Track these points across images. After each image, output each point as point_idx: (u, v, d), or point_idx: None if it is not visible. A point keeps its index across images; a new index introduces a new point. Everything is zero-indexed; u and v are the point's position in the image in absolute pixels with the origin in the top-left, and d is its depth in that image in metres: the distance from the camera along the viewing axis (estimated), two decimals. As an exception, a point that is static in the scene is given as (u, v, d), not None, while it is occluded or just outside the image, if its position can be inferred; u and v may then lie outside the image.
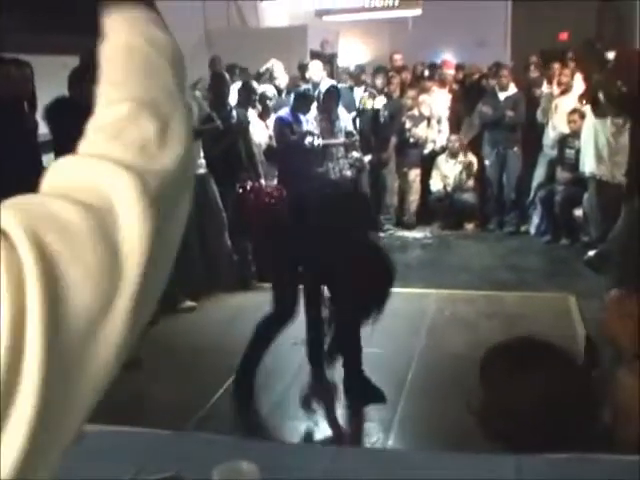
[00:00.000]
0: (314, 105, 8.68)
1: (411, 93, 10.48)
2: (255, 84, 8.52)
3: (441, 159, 10.45)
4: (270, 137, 8.35)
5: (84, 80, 5.61)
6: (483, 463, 1.93)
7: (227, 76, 8.25)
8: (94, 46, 0.97)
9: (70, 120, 5.29)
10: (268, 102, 8.54)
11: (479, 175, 10.34)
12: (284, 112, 8.49)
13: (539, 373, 2.02)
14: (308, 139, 8.41)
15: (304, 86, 9.28)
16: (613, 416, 2.58)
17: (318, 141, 8.50)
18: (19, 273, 0.63)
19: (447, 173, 10.37)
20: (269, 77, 9.43)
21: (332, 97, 8.78)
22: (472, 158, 10.33)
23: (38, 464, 0.66)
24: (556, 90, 9.69)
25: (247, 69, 9.56)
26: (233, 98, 8.31)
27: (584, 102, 7.98)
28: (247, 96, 8.27)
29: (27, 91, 5.71)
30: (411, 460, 2.12)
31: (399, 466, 1.99)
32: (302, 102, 8.49)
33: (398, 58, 11.82)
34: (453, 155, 10.37)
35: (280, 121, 8.39)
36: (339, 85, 9.81)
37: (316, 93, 8.84)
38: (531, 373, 2.01)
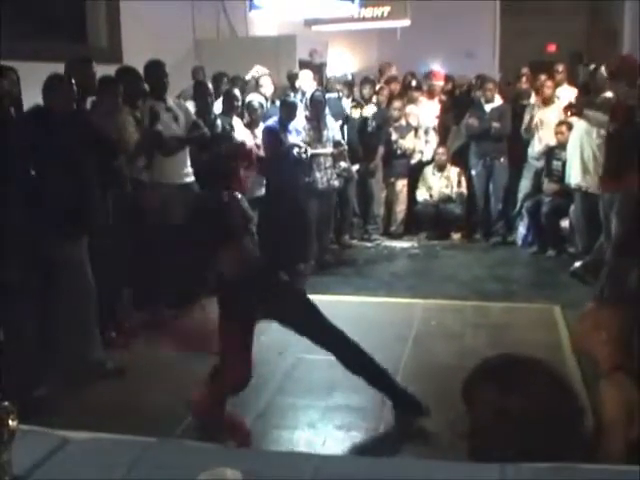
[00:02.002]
0: (302, 114, 8.69)
1: (397, 104, 10.50)
2: (237, 92, 8.49)
3: (428, 171, 10.47)
4: (257, 146, 8.34)
5: (58, 89, 5.62)
6: (467, 471, 1.93)
7: (209, 85, 8.25)
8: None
9: (42, 129, 5.30)
10: (255, 111, 8.54)
11: (468, 185, 10.35)
12: (272, 122, 8.49)
13: (524, 390, 2.01)
14: (296, 149, 8.42)
15: (292, 95, 9.30)
16: (596, 428, 2.59)
17: (306, 152, 8.51)
18: None
19: (432, 185, 10.39)
20: (255, 85, 9.43)
21: (318, 103, 8.79)
22: (459, 172, 10.34)
23: None
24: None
25: (238, 77, 9.55)
26: (219, 107, 8.32)
27: (569, 114, 8.01)
28: (230, 104, 8.26)
29: (13, 97, 5.69)
30: (395, 468, 2.12)
31: (383, 474, 1.98)
32: (290, 111, 8.49)
33: (391, 68, 11.86)
34: (440, 168, 10.38)
35: (268, 131, 8.39)
36: (328, 95, 9.84)
37: (304, 101, 8.86)
38: (515, 391, 2.01)
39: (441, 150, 10.46)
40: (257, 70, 9.66)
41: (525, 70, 10.99)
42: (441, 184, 10.36)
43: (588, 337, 2.90)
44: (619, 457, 2.45)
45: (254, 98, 8.73)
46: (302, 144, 8.49)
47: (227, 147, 7.65)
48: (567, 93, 9.57)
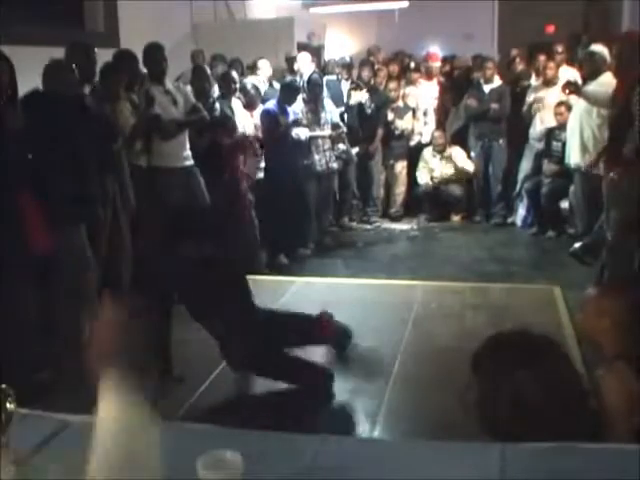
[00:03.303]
0: (301, 96, 8.67)
1: (392, 85, 10.48)
2: (235, 74, 8.45)
3: (427, 152, 10.44)
4: (256, 127, 8.33)
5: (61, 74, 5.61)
6: (467, 452, 1.93)
7: (208, 69, 8.22)
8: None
9: (42, 113, 5.27)
10: (253, 94, 8.52)
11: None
12: (271, 104, 8.47)
13: (537, 365, 2.02)
14: (295, 132, 8.41)
15: (291, 77, 9.28)
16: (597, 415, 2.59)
17: (305, 134, 8.51)
18: None
19: (433, 167, 10.37)
20: (253, 68, 9.43)
21: (316, 85, 8.79)
22: (458, 152, 10.31)
23: None
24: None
25: (237, 60, 9.51)
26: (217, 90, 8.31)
27: (567, 92, 7.98)
28: (227, 86, 8.22)
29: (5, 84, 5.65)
30: (396, 449, 2.12)
31: (385, 455, 1.99)
32: (289, 93, 8.48)
33: (379, 52, 11.82)
34: (439, 151, 10.35)
35: (267, 113, 8.37)
36: (327, 77, 9.84)
37: (302, 84, 8.85)
38: (528, 365, 2.01)
39: (437, 134, 10.41)
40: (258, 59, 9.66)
41: (515, 52, 10.97)
42: (442, 166, 10.33)
43: (591, 324, 2.90)
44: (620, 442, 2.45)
45: (248, 81, 8.71)
46: (301, 124, 8.51)
47: (229, 140, 7.67)
48: (567, 74, 9.52)
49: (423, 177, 10.43)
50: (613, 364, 2.73)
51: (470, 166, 10.22)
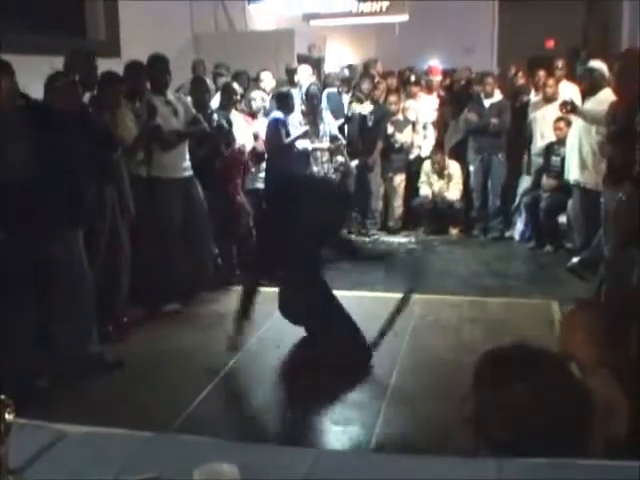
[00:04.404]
0: (299, 109, 8.70)
1: (392, 98, 10.49)
2: (237, 86, 8.47)
3: (428, 165, 10.44)
4: (256, 139, 8.34)
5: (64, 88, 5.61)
6: (464, 466, 1.93)
7: (207, 80, 8.24)
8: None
9: (40, 125, 5.27)
10: (255, 106, 8.56)
11: (464, 181, 10.35)
12: (279, 114, 8.48)
13: (538, 379, 2.01)
14: (300, 142, 8.43)
15: (286, 87, 9.31)
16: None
17: (307, 146, 8.53)
18: None
19: (433, 182, 10.37)
20: (256, 80, 9.46)
21: (314, 97, 8.81)
22: (456, 170, 10.32)
23: None
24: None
25: (241, 72, 9.53)
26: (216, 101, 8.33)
27: (564, 111, 7.99)
28: (229, 98, 8.24)
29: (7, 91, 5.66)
30: (393, 463, 2.12)
31: (381, 469, 1.99)
32: (284, 102, 8.50)
33: (376, 65, 11.83)
34: (437, 172, 10.35)
35: (275, 122, 8.38)
36: (328, 90, 9.85)
37: (300, 95, 8.87)
38: (530, 379, 2.01)
39: (437, 156, 10.38)
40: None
41: (513, 69, 10.99)
42: (440, 185, 10.34)
43: (569, 341, 2.91)
44: (599, 452, 2.45)
45: (256, 95, 8.77)
46: (310, 135, 8.56)
47: (227, 152, 7.71)
48: (567, 89, 9.53)
49: (425, 189, 10.43)
50: (597, 371, 2.73)
51: (459, 175, 10.29)
